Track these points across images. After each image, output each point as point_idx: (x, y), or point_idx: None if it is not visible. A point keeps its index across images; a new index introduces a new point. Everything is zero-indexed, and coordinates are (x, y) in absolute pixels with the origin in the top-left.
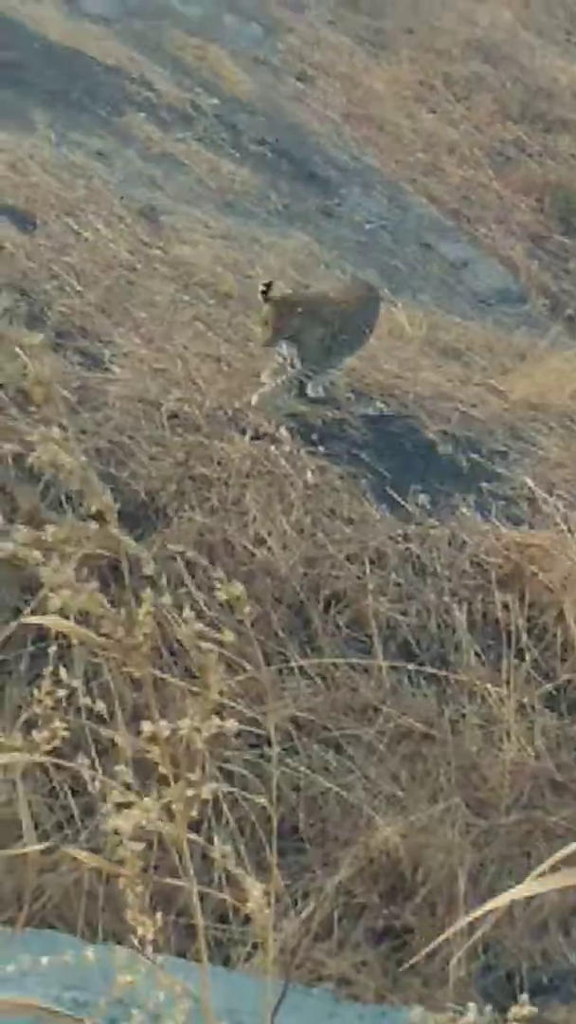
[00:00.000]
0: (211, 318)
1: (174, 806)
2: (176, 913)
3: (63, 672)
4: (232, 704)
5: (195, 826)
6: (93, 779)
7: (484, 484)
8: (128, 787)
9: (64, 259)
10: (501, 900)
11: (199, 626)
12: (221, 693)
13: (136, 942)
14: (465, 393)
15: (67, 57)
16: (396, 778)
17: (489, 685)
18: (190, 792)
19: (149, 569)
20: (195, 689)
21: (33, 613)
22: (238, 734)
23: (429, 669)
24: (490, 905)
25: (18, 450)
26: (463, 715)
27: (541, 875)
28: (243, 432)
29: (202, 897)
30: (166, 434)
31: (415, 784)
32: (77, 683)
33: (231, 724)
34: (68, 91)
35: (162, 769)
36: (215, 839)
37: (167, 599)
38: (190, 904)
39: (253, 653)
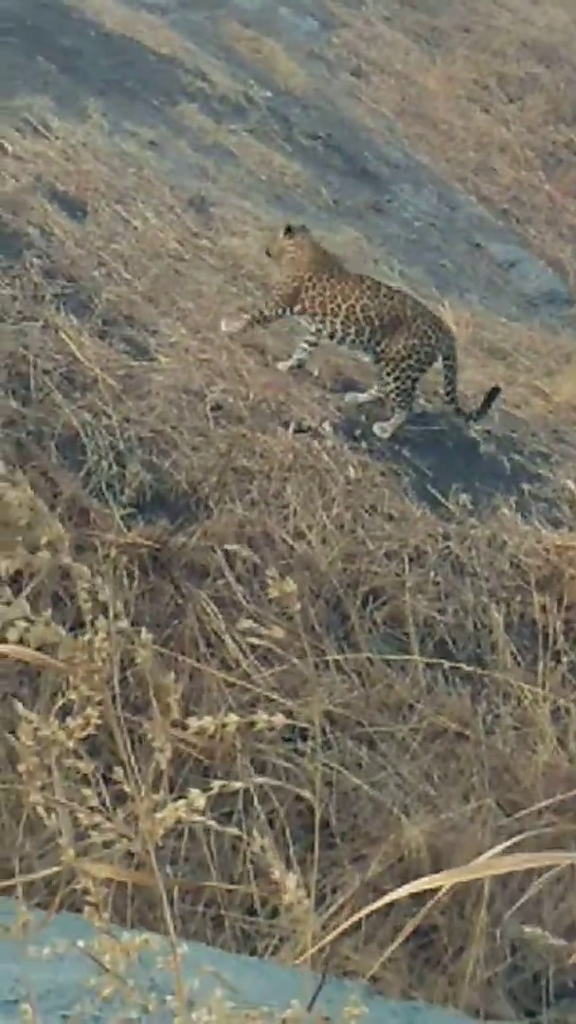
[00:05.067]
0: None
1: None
2: (204, 903)
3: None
4: (269, 696)
5: (226, 817)
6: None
7: (525, 485)
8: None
9: (113, 247)
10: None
11: (248, 623)
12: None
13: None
14: (509, 393)
15: (122, 46)
16: (428, 776)
17: (524, 686)
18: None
19: (104, 595)
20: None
21: None
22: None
23: (465, 667)
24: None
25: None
26: (497, 716)
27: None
28: (286, 425)
29: (230, 889)
30: (209, 425)
31: (447, 783)
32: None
33: (279, 719)
34: (122, 80)
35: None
36: (247, 830)
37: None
38: (217, 895)
39: (293, 647)
